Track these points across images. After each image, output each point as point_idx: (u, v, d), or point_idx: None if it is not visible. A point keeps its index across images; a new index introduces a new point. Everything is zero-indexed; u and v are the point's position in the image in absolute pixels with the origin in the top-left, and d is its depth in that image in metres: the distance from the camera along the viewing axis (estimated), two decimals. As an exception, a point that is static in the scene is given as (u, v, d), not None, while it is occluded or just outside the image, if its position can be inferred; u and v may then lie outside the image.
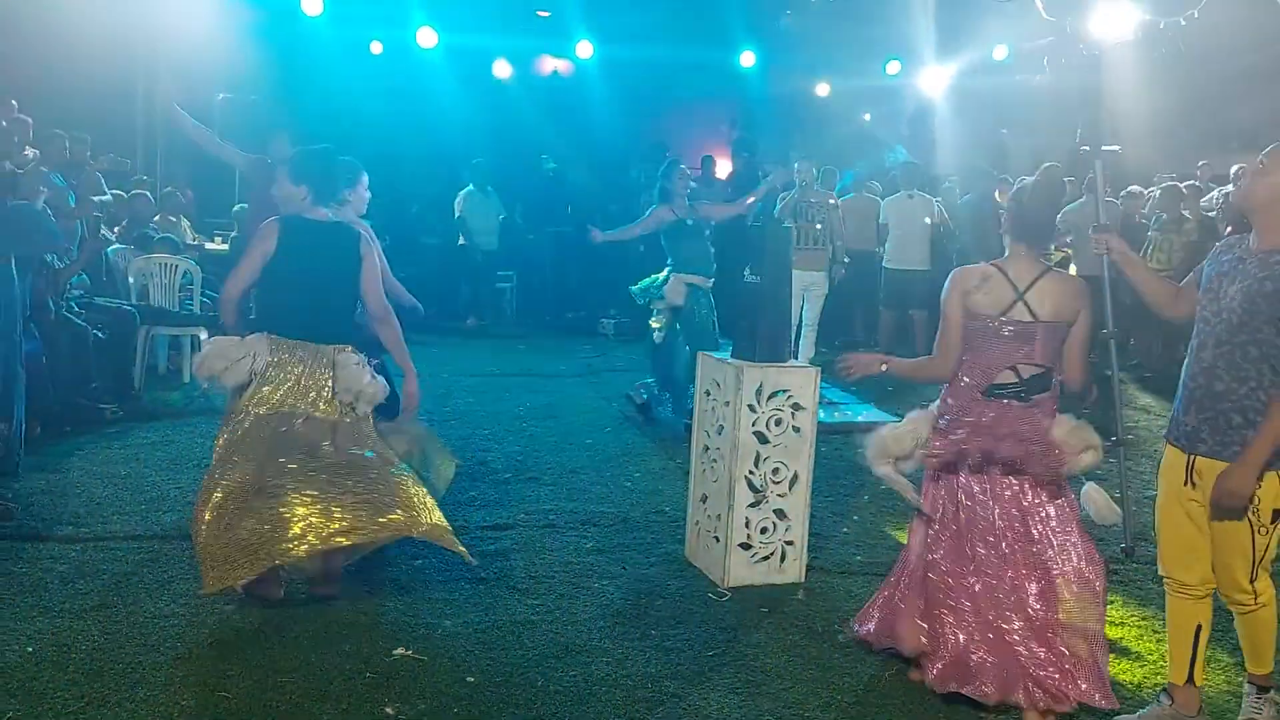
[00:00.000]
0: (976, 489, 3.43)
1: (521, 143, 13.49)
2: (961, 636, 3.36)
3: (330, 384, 3.98)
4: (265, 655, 3.57)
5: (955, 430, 3.43)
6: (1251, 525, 3.06)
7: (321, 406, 3.96)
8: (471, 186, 11.88)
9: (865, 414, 7.59)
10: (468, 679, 3.50)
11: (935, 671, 3.40)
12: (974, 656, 3.33)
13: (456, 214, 11.87)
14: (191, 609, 3.90)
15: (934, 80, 12.66)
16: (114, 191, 8.87)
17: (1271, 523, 3.07)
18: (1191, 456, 3.16)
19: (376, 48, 12.82)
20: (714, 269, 6.90)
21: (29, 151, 8.05)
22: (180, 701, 3.24)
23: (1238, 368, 3.04)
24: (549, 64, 14.15)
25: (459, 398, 7.81)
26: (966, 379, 3.43)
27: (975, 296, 3.37)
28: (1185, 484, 3.18)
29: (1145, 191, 10.31)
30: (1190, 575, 3.24)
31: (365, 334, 4.26)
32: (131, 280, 7.76)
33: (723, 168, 13.03)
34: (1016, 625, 3.32)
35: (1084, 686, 3.27)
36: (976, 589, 3.38)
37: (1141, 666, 3.85)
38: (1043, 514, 3.41)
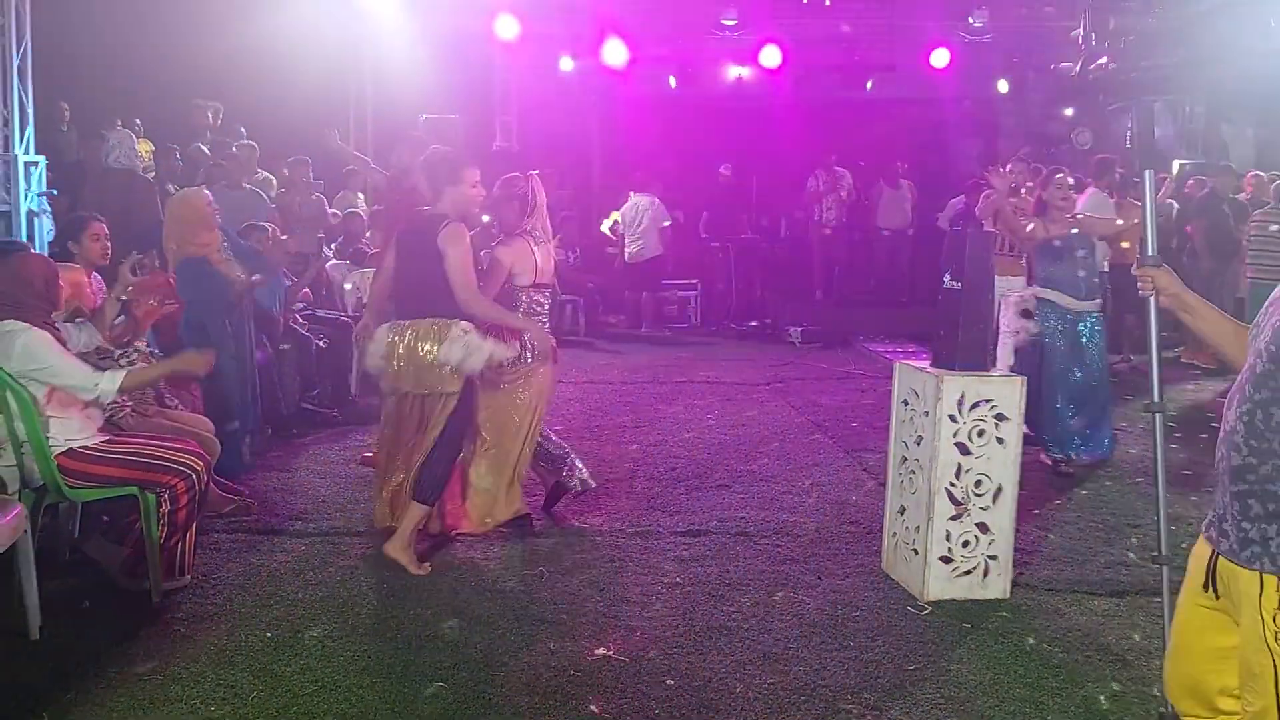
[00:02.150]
0: None
1: (704, 152, 13.65)
2: None
3: (430, 355, 4.37)
4: (477, 650, 3.75)
5: None
6: (1272, 654, 2.13)
7: (425, 380, 4.42)
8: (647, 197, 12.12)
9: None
10: (667, 681, 3.56)
11: None
12: None
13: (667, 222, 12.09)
14: (409, 603, 4.14)
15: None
16: (331, 210, 9.52)
17: None
18: (1214, 554, 2.30)
19: (565, 64, 13.22)
20: (1093, 292, 6.19)
21: (260, 174, 8.77)
22: (403, 689, 3.46)
23: (1260, 435, 2.17)
24: (733, 72, 14.22)
25: (648, 405, 7.96)
26: None
27: None
28: (1206, 589, 2.32)
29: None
30: (1196, 707, 2.41)
31: None
32: (348, 291, 8.31)
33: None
34: None
35: None
36: None
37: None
38: None
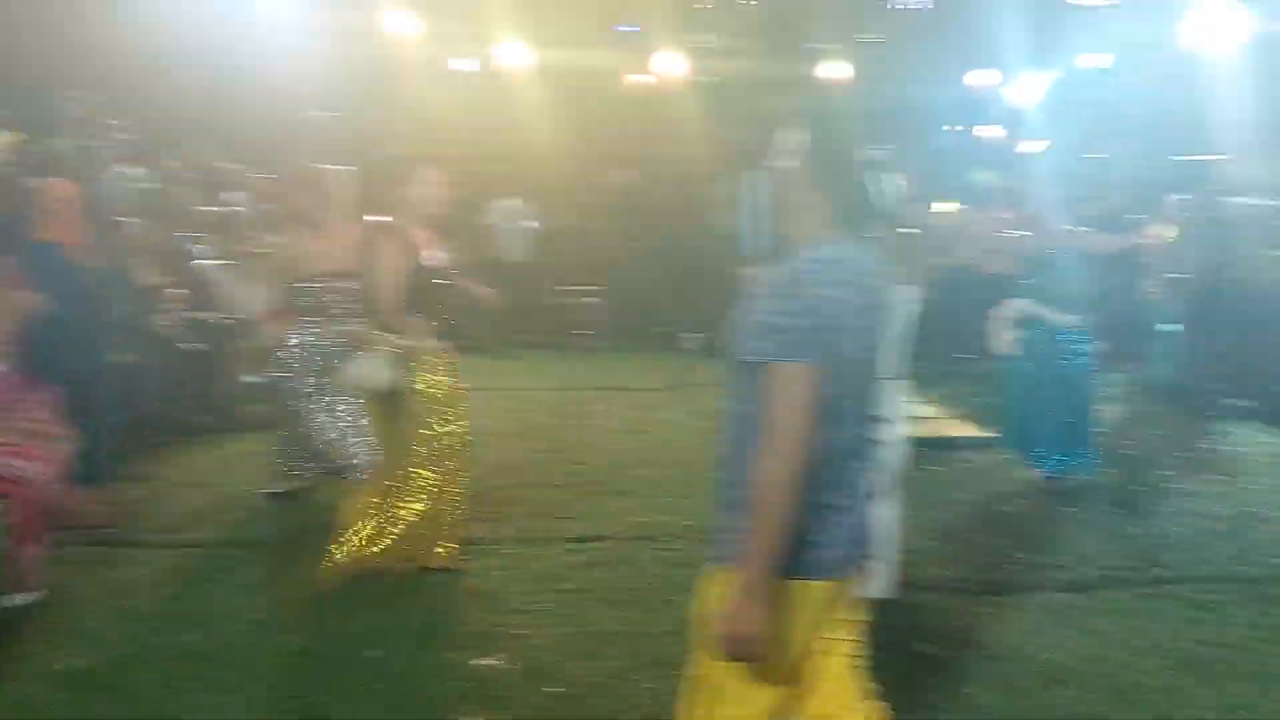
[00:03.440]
0: None
1: (600, 157, 13.57)
2: None
3: None
4: (355, 660, 3.58)
5: None
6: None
7: None
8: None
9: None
10: (551, 689, 3.46)
11: None
12: None
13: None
14: (282, 614, 3.94)
15: (1027, 91, 12.36)
16: (209, 208, 9.10)
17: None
18: None
19: (461, 65, 13.02)
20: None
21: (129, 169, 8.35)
22: (280, 707, 3.26)
23: (726, 428, 2.19)
24: (629, 79, 14.23)
25: (545, 412, 7.80)
26: None
27: None
28: None
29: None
30: None
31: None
32: (234, 293, 7.93)
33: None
34: None
35: None
36: None
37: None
38: None
